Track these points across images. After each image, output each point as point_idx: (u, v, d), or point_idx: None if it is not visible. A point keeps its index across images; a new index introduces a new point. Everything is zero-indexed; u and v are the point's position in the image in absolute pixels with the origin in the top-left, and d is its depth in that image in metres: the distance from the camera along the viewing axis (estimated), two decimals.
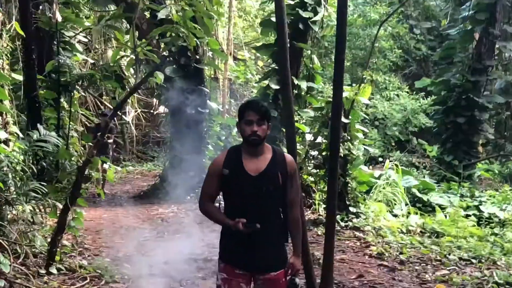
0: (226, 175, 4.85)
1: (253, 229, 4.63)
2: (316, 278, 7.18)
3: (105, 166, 12.95)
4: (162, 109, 25.16)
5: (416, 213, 13.56)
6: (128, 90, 15.09)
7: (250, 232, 4.65)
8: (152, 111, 27.50)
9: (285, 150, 8.05)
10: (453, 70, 20.18)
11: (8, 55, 11.63)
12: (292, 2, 14.73)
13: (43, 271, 8.25)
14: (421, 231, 12.15)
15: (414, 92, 27.67)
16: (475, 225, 12.66)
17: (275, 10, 7.06)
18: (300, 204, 5.04)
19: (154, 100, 25.35)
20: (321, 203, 13.08)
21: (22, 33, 10.83)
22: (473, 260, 9.98)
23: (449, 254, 10.24)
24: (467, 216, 13.44)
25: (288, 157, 4.95)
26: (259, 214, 4.74)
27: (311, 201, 13.48)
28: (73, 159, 10.53)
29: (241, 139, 4.86)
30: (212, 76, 21.29)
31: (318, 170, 13.12)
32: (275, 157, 4.85)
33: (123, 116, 26.21)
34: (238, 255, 4.85)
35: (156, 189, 16.33)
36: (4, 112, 10.69)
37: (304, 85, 14.98)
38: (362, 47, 28.12)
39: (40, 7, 14.76)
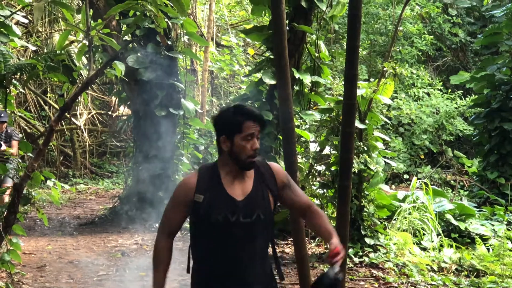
0: (203, 201, 4.72)
1: None
2: None
3: (49, 183, 12.94)
4: (123, 110, 25.18)
5: (451, 246, 13.58)
6: (80, 85, 15.10)
7: None
8: (110, 112, 27.50)
9: (282, 164, 8.09)
10: (498, 62, 20.23)
11: None
12: None
13: None
14: (456, 269, 12.16)
15: (449, 90, 27.81)
16: None
17: None
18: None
19: (113, 98, 25.32)
20: None
21: None
22: None
23: None
24: None
25: (273, 165, 4.89)
26: (249, 251, 4.70)
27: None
28: (9, 173, 10.52)
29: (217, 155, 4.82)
30: (188, 67, 21.30)
31: (325, 190, 13.14)
32: (259, 172, 4.78)
33: (73, 119, 26.20)
34: None
35: (115, 214, 16.32)
36: None
37: (307, 79, 14.92)
38: (383, 32, 28.29)
39: None
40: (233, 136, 4.60)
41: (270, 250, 4.93)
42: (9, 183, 12.39)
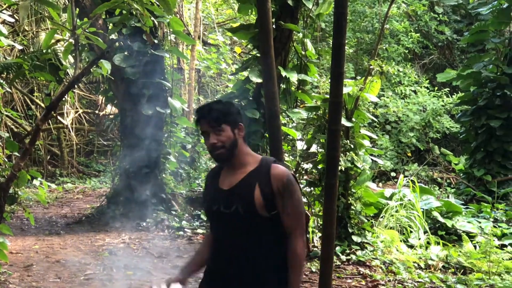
0: (203, 190, 4.94)
1: None
2: None
3: (36, 182, 12.91)
4: (110, 109, 25.14)
5: (438, 243, 13.60)
6: (66, 84, 15.06)
7: None
8: (97, 111, 27.45)
9: None
10: (485, 60, 20.27)
11: None
12: None
13: None
14: (443, 266, 12.18)
15: (436, 88, 27.87)
16: None
17: None
18: (303, 232, 4.86)
19: (100, 97, 25.28)
20: (316, 231, 13.11)
21: None
22: None
23: None
24: (502, 246, 13.50)
25: (276, 168, 4.66)
26: (231, 246, 4.66)
27: None
28: None
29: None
30: (175, 66, 21.28)
31: (312, 188, 13.14)
32: (257, 169, 4.69)
33: (60, 119, 26.15)
34: None
35: (102, 213, 16.29)
36: None
37: (294, 77, 14.92)
38: (369, 30, 28.34)
39: None
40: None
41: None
42: None
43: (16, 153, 10.06)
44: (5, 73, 14.94)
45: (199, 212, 15.97)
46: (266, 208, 4.56)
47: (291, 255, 4.64)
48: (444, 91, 27.10)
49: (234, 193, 4.61)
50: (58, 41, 16.68)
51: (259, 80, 13.92)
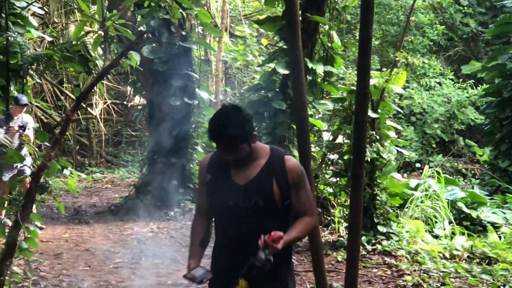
0: (209, 181, 4.86)
1: (198, 283, 4.68)
2: None
3: (66, 172, 12.94)
4: (138, 100, 25.19)
5: (463, 234, 13.55)
6: (95, 75, 15.10)
7: (199, 281, 4.68)
8: (125, 102, 27.51)
9: (296, 153, 8.08)
10: (510, 52, 20.14)
11: None
12: None
13: None
14: (468, 256, 12.12)
15: (461, 80, 27.73)
16: None
17: None
18: (315, 214, 4.90)
19: (128, 88, 25.33)
20: (342, 221, 13.10)
21: None
22: None
23: (504, 286, 10.23)
24: None
25: (289, 160, 4.75)
26: (247, 236, 4.66)
27: (329, 218, 13.49)
28: (26, 162, 10.54)
29: None
30: (203, 57, 21.28)
31: (338, 179, 13.13)
32: (270, 162, 4.74)
33: (89, 109, 26.23)
34: (228, 285, 4.76)
35: (131, 202, 16.34)
36: None
37: (320, 69, 14.89)
38: (395, 22, 28.22)
39: None
40: None
41: None
42: (27, 171, 12.40)
43: (47, 143, 10.10)
44: (35, 65, 15.00)
45: None
46: (281, 199, 4.66)
47: (300, 219, 4.77)
48: (469, 83, 26.96)
49: (253, 187, 4.65)
50: (87, 33, 16.73)
51: (286, 72, 13.90)
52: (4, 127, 13.02)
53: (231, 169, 4.76)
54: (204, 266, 4.80)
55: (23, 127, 12.94)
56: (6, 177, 12.17)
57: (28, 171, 12.49)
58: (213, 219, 4.99)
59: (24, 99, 13.53)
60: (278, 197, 4.63)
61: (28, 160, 12.25)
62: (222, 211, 4.80)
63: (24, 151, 12.35)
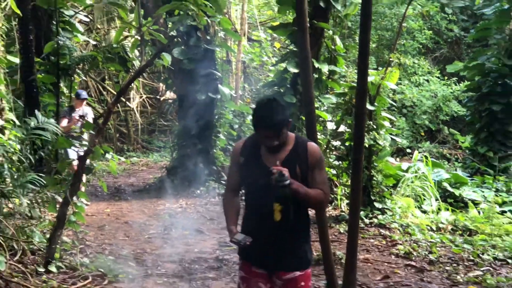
0: (242, 163, 4.86)
1: (243, 245, 4.67)
2: (337, 279, 7.18)
3: (108, 156, 13.01)
4: (169, 94, 25.21)
5: (447, 209, 13.53)
6: (133, 73, 15.11)
7: (243, 243, 4.68)
8: (158, 97, 27.53)
9: None
10: (488, 53, 20.01)
11: (3, 35, 11.68)
12: None
13: (41, 269, 8.32)
14: (452, 229, 12.10)
15: (446, 77, 27.62)
16: (511, 223, 12.60)
17: None
18: (329, 192, 4.89)
19: (161, 85, 25.36)
20: (344, 198, 13.10)
21: (18, 11, 10.90)
22: (509, 260, 9.93)
23: (483, 254, 10.20)
24: (502, 212, 13.36)
25: (311, 146, 4.79)
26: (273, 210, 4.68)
27: (332, 196, 13.48)
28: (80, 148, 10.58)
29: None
30: (224, 58, 21.26)
31: (340, 162, 13.12)
32: (296, 148, 4.75)
33: (127, 103, 26.29)
34: (256, 253, 4.80)
35: (163, 182, 16.38)
36: (0, 98, 10.76)
37: (325, 68, 14.91)
38: (389, 28, 28.09)
39: None
40: (255, 129, 4.71)
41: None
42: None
43: (92, 132, 10.13)
44: (81, 64, 15.04)
45: None
46: (301, 179, 4.65)
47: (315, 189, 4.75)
48: (453, 80, 26.83)
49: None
50: (126, 37, 16.76)
51: (296, 70, 13.93)
52: (68, 117, 13.18)
53: (261, 153, 4.78)
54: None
55: (83, 117, 13.07)
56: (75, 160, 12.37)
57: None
58: (244, 194, 4.98)
59: (84, 93, 13.70)
60: (299, 178, 4.63)
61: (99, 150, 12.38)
62: (254, 188, 4.81)
63: (85, 137, 12.45)
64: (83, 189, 13.49)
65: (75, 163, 12.88)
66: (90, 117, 13.48)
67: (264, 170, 4.62)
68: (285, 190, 4.43)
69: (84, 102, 13.67)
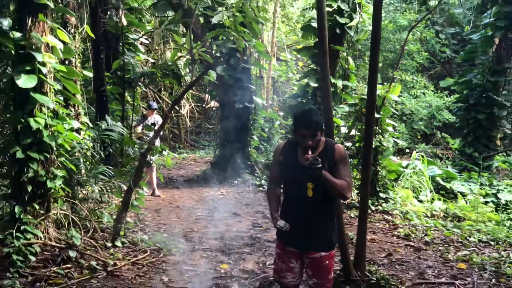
0: (282, 161, 4.88)
1: (284, 229, 4.73)
2: (350, 255, 7.16)
3: (164, 153, 13.06)
4: (213, 103, 25.27)
5: (440, 199, 13.41)
6: (185, 86, 15.16)
7: (285, 229, 4.74)
8: (204, 105, 27.59)
9: None
10: (474, 71, 19.77)
11: (80, 54, 11.83)
12: (330, 10, 14.59)
13: (109, 244, 8.41)
14: (444, 216, 12.01)
15: (439, 91, 27.34)
16: (493, 211, 12.45)
17: (316, 17, 7.02)
18: (351, 183, 4.85)
19: (206, 95, 25.44)
20: (354, 189, 13.03)
21: (92, 35, 11.00)
22: (492, 243, 9.84)
23: (470, 237, 10.12)
24: (486, 202, 13.24)
25: (338, 146, 4.81)
26: (306, 199, 4.71)
27: None
28: (135, 146, 10.65)
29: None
30: (258, 74, 21.26)
31: (351, 160, 13.06)
32: (325, 148, 4.77)
33: (179, 110, 26.39)
34: (289, 234, 4.82)
35: (207, 173, 16.41)
36: (76, 105, 10.89)
37: (340, 83, 14.91)
38: (392, 50, 27.86)
39: (108, 12, 14.95)
40: (295, 132, 4.71)
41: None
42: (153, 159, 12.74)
43: (151, 133, 10.19)
44: (142, 78, 15.14)
45: None
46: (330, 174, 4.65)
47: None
48: (445, 93, 26.53)
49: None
50: (180, 57, 16.80)
51: (316, 85, 13.97)
52: (142, 125, 13.21)
53: (297, 153, 4.79)
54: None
55: (154, 124, 13.08)
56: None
57: (153, 159, 12.79)
58: (283, 186, 5.01)
59: (154, 104, 13.70)
60: (328, 172, 4.62)
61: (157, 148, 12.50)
62: (290, 182, 4.85)
63: (157, 142, 12.60)
64: (154, 181, 13.61)
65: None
66: (159, 124, 13.52)
67: (299, 167, 4.67)
68: (317, 171, 4.44)
69: (155, 111, 13.67)
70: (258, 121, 17.61)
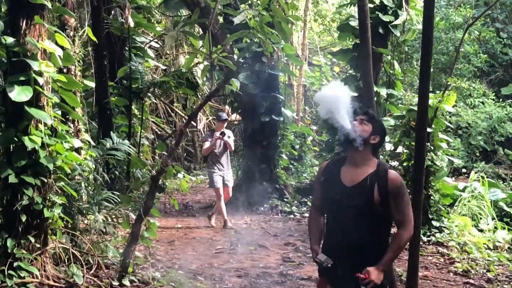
0: (322, 182, 4.92)
1: (325, 265, 4.71)
2: None
3: (179, 175, 13.05)
4: (234, 116, 25.34)
5: (504, 228, 13.29)
6: (202, 97, 15.23)
7: (326, 264, 4.73)
8: None
9: None
10: None
11: (80, 61, 11.88)
12: (372, 6, 14.60)
13: (116, 283, 8.41)
14: (509, 247, 11.90)
15: (501, 100, 27.18)
16: None
17: (358, 14, 7.04)
18: (410, 226, 4.80)
19: (227, 107, 25.48)
20: None
21: (94, 38, 11.03)
22: None
23: None
24: None
25: (392, 173, 4.71)
26: (349, 229, 4.67)
27: None
28: (145, 168, 10.69)
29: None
30: (287, 82, 21.32)
31: None
32: (377, 172, 4.71)
33: (194, 124, 26.46)
34: (330, 271, 4.79)
35: (229, 199, 16.43)
36: (76, 119, 10.93)
37: (384, 92, 14.84)
38: (445, 52, 27.77)
39: (112, 12, 15.05)
40: None
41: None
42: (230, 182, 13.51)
43: (164, 152, 10.23)
44: (152, 88, 15.23)
45: (306, 200, 15.95)
46: (380, 204, 4.63)
47: (394, 238, 4.75)
48: (508, 102, 26.39)
49: (357, 191, 4.65)
50: (197, 63, 16.87)
51: (355, 94, 13.86)
52: (209, 140, 13.24)
53: (341, 173, 4.81)
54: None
55: (223, 133, 13.19)
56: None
57: (231, 181, 13.43)
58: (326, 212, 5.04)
59: (224, 115, 13.76)
60: (378, 202, 4.62)
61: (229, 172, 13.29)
62: (331, 205, 4.85)
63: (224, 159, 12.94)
64: (224, 210, 13.72)
65: (219, 187, 13.47)
66: (230, 138, 13.60)
67: (341, 188, 4.72)
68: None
69: (225, 124, 13.61)
70: (288, 137, 17.64)
